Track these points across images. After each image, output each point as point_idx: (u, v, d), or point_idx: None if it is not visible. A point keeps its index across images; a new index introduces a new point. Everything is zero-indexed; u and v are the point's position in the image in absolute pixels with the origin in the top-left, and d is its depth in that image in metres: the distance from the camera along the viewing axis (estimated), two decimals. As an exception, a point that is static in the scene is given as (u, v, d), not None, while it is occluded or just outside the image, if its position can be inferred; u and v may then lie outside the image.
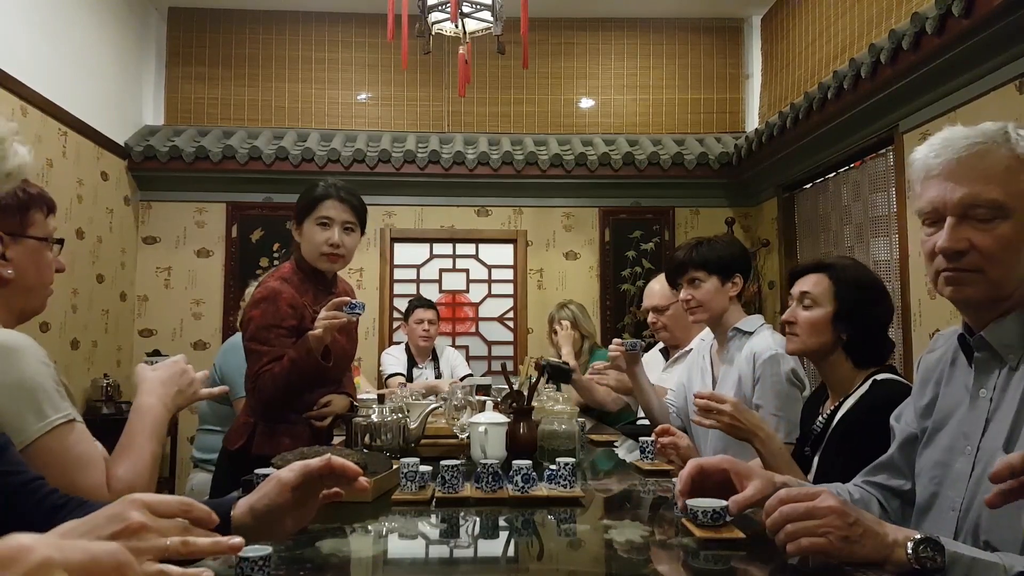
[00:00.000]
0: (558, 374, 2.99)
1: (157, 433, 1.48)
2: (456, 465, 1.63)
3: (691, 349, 3.06)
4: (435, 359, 4.25)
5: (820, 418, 1.87)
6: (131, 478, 1.36)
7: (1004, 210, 1.12)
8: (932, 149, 1.18)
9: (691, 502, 1.28)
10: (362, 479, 1.13)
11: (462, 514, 1.56)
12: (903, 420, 1.41)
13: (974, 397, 1.23)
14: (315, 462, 1.11)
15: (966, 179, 1.14)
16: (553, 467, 1.66)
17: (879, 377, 1.78)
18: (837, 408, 1.81)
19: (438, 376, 4.08)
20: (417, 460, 1.65)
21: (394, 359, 4.20)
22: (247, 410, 2.29)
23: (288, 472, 1.08)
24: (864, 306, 1.82)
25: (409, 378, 4.07)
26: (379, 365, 4.35)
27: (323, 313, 2.15)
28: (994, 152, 1.14)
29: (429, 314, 4.16)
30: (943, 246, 1.16)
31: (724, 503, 1.26)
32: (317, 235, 2.27)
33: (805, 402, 2.09)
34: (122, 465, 1.37)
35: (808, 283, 1.91)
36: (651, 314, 3.15)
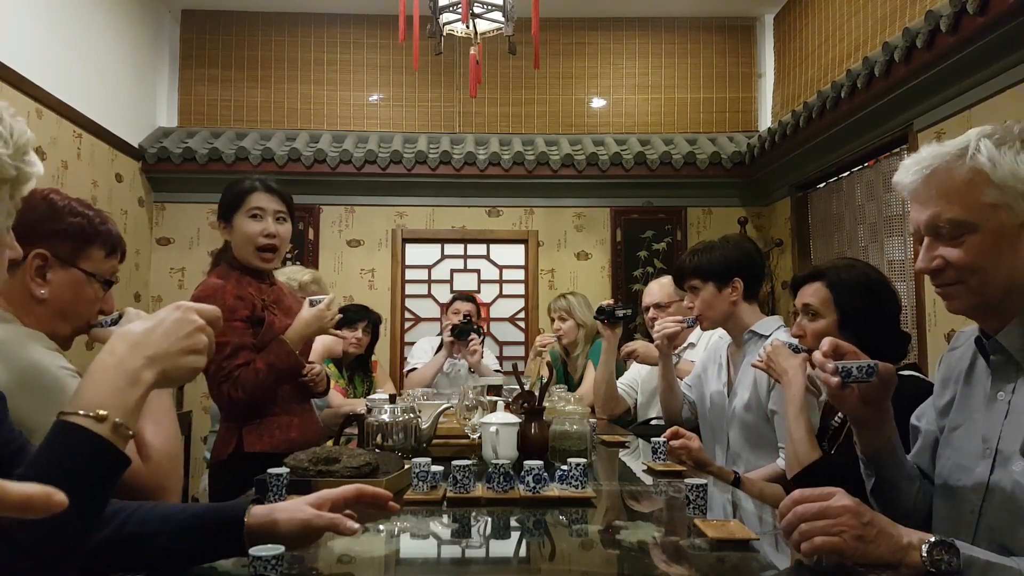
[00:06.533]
0: (613, 318, 3.04)
1: (169, 404, 1.49)
2: (468, 465, 1.63)
3: (692, 343, 3.08)
4: None
5: (839, 414, 1.86)
6: (164, 445, 1.37)
7: (968, 225, 1.14)
8: (905, 171, 1.21)
9: (838, 362, 1.27)
10: (392, 504, 1.15)
11: (474, 514, 1.56)
12: (924, 420, 1.40)
13: (992, 399, 1.22)
14: (344, 493, 1.13)
15: (929, 200, 1.17)
16: (564, 467, 1.66)
17: (901, 374, 1.77)
18: None
19: (470, 368, 3.92)
20: (429, 460, 1.65)
21: (422, 352, 4.10)
22: (226, 419, 2.26)
23: (318, 518, 1.08)
24: (866, 309, 1.81)
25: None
26: (402, 354, 4.24)
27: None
28: (952, 170, 1.14)
29: (467, 307, 4.09)
30: (917, 268, 1.22)
31: (873, 361, 1.27)
32: (250, 227, 2.25)
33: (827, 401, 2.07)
34: (151, 434, 1.36)
35: (808, 293, 1.91)
36: (651, 310, 3.15)
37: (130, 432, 0.85)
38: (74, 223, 1.39)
